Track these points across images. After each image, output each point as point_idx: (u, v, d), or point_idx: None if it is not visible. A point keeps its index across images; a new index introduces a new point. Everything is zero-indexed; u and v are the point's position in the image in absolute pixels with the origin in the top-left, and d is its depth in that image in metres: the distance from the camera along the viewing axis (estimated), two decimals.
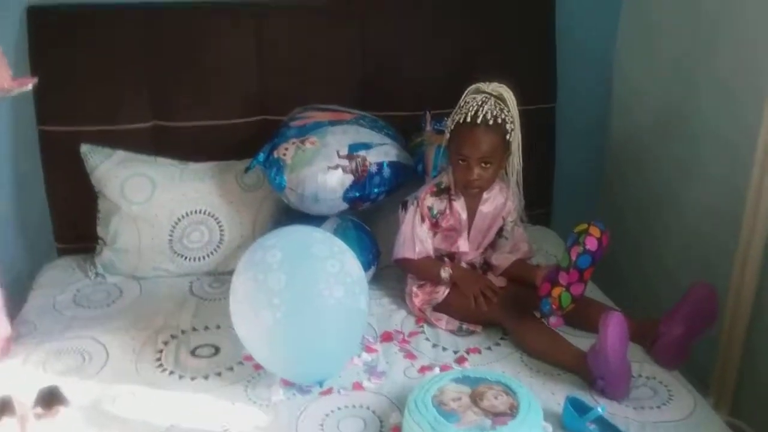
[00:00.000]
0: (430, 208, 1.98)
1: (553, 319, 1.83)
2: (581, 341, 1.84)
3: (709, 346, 1.89)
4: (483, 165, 1.89)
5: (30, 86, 1.79)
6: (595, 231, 1.77)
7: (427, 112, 2.37)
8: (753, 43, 1.89)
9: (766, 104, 1.78)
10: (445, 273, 1.98)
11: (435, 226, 2.01)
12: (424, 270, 2.02)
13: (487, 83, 1.91)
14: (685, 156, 2.21)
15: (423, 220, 1.99)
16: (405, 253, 2.00)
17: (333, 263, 1.64)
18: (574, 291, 1.78)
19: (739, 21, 1.94)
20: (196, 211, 2.23)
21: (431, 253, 2.02)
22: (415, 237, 1.99)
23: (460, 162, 1.91)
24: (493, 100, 1.87)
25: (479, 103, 1.86)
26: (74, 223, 2.36)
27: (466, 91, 1.91)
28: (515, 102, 1.90)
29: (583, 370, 1.71)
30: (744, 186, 1.88)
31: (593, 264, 1.77)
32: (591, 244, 1.76)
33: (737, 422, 1.89)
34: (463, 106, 1.89)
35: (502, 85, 1.90)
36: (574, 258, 1.76)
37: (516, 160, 1.96)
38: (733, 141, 1.99)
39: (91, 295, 2.15)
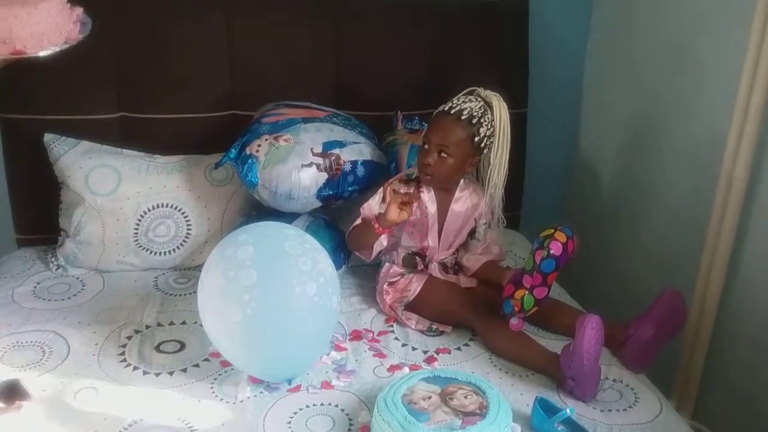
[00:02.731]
0: (395, 192, 1.94)
1: (514, 321, 1.83)
2: (548, 343, 1.86)
3: (671, 350, 1.92)
4: (441, 154, 1.90)
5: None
6: (560, 236, 1.78)
7: (398, 111, 2.38)
8: (717, 63, 1.95)
9: (733, 116, 1.82)
10: (373, 211, 1.95)
11: None
12: (358, 230, 1.99)
13: (484, 89, 1.93)
14: (653, 165, 2.25)
15: (384, 201, 1.96)
16: (352, 225, 1.99)
17: (305, 260, 1.62)
18: (538, 294, 1.79)
19: (703, 42, 2.01)
20: (162, 205, 2.19)
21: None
22: (368, 210, 1.97)
23: (424, 147, 1.93)
24: (480, 104, 1.90)
25: (463, 100, 1.90)
26: (35, 213, 2.31)
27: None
28: (506, 116, 1.91)
29: (553, 371, 1.72)
30: (710, 195, 1.92)
31: (557, 269, 1.78)
32: (556, 248, 1.77)
33: (700, 425, 1.92)
34: (449, 101, 1.92)
35: (497, 94, 1.92)
36: (538, 261, 1.77)
37: (496, 173, 1.95)
38: (699, 151, 2.03)
39: (52, 287, 2.10)
